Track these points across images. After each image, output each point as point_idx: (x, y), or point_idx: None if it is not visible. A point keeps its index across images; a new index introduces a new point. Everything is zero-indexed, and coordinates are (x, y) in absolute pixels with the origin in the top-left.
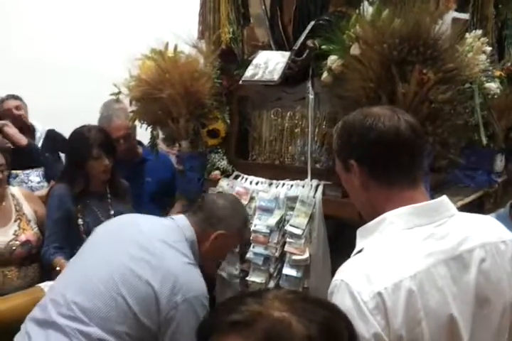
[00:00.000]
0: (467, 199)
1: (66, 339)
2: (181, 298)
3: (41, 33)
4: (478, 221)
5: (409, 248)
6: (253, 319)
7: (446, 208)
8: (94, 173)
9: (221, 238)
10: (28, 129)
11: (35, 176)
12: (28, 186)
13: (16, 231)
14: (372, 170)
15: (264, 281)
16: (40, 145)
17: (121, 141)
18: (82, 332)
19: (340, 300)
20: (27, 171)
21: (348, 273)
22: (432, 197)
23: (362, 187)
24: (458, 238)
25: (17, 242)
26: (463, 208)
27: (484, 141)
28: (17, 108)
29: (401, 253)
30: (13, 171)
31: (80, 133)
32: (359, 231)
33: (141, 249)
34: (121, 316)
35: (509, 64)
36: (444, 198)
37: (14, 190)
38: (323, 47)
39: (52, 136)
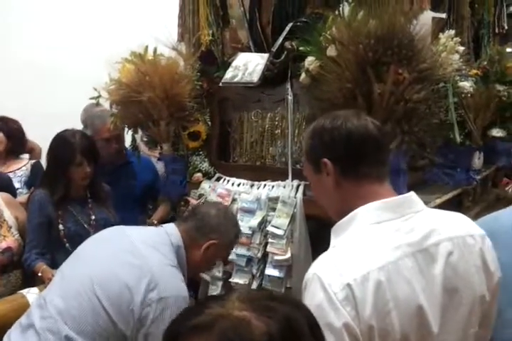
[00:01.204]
0: (445, 197)
1: (37, 338)
2: (156, 296)
3: (24, 36)
4: (446, 216)
5: (378, 241)
6: (214, 321)
7: (414, 203)
8: (74, 179)
9: (213, 247)
10: None
11: (16, 182)
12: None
13: None
14: (344, 168)
15: (247, 282)
16: None
17: (114, 142)
18: (51, 330)
19: (313, 292)
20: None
21: (319, 266)
22: None
23: (335, 185)
24: (424, 232)
25: None
26: (441, 206)
27: (458, 139)
28: None
29: (369, 246)
30: None
31: (63, 138)
32: (333, 230)
33: (123, 250)
34: (94, 317)
35: (485, 63)
36: (412, 194)
37: None
38: (300, 48)
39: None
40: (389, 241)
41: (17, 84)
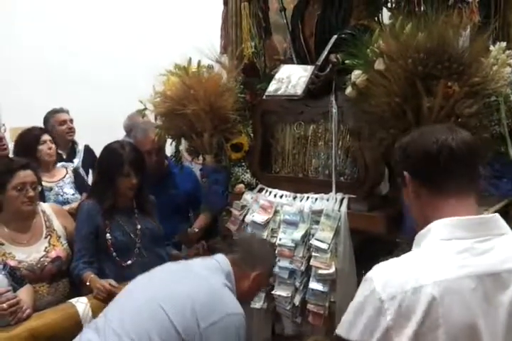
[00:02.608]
0: (492, 209)
1: None
2: (222, 313)
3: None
4: None
5: (441, 257)
6: None
7: (496, 226)
8: (121, 189)
9: (259, 277)
10: (68, 143)
11: (68, 188)
12: (64, 198)
13: (46, 247)
14: (422, 182)
15: (289, 295)
16: (81, 159)
17: (154, 154)
18: None
19: (362, 293)
20: (60, 184)
21: (378, 271)
22: None
23: (415, 198)
24: (501, 256)
25: (48, 259)
26: None
27: (511, 154)
28: (71, 121)
29: (430, 260)
30: (47, 184)
31: (113, 149)
32: (414, 241)
33: (185, 271)
34: (158, 329)
35: None
36: (495, 215)
37: (45, 206)
38: (346, 61)
39: (89, 151)
40: (453, 259)
41: (65, 95)
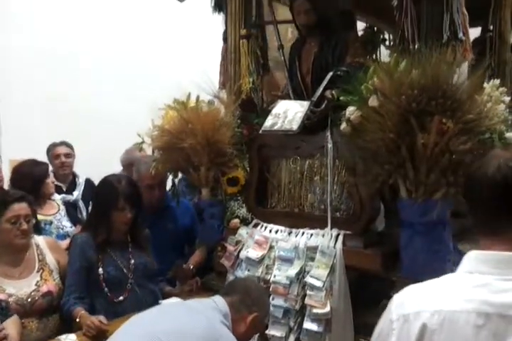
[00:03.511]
0: None
1: None
2: None
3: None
4: None
5: (454, 288)
6: None
7: None
8: (116, 223)
9: (256, 319)
10: (69, 176)
11: (65, 221)
12: (64, 231)
13: (38, 282)
14: (468, 212)
15: (284, 335)
16: (80, 192)
17: (157, 189)
18: None
19: (385, 311)
20: (57, 217)
21: (401, 292)
22: (455, 245)
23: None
24: None
25: (39, 293)
26: None
27: None
28: (66, 155)
29: (442, 289)
30: (47, 218)
31: (109, 182)
32: None
33: (184, 307)
34: None
35: None
36: None
37: (39, 239)
38: (341, 98)
39: (89, 184)
40: (466, 292)
41: (60, 128)
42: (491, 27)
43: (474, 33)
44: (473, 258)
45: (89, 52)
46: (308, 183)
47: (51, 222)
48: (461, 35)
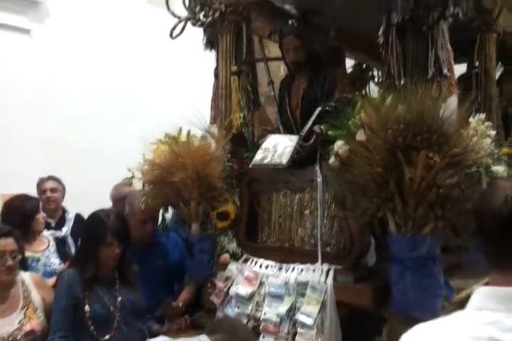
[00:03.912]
0: (483, 282)
1: None
2: None
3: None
4: None
5: (461, 325)
6: None
7: None
8: (104, 259)
9: None
10: (58, 211)
11: (54, 258)
12: (52, 269)
13: (21, 320)
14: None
15: None
16: (69, 227)
17: (150, 223)
18: None
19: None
20: (46, 253)
21: (408, 332)
22: (446, 280)
23: None
24: None
25: (21, 332)
26: None
27: None
28: (52, 190)
29: (450, 327)
30: (35, 254)
31: (97, 217)
32: None
33: None
34: None
35: None
36: None
37: (25, 275)
38: (329, 132)
39: (79, 220)
40: (473, 330)
41: (52, 162)
42: (477, 63)
43: (460, 69)
44: (482, 295)
45: (80, 85)
46: (299, 217)
47: (38, 259)
48: (445, 71)
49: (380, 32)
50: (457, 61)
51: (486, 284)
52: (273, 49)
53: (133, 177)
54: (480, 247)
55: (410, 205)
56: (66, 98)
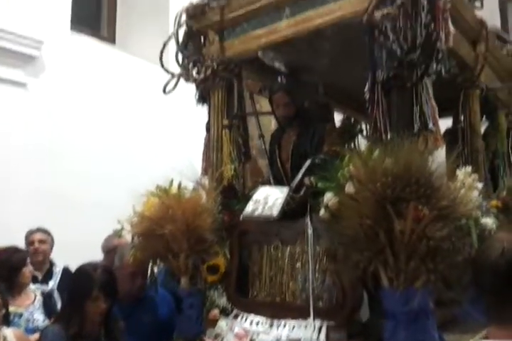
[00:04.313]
0: (478, 336)
1: None
2: None
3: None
4: None
5: None
6: None
7: None
8: (89, 314)
9: None
10: (45, 264)
11: (39, 314)
12: (34, 325)
13: None
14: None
15: None
16: (56, 281)
17: (140, 277)
18: None
19: None
20: (30, 309)
21: None
22: (440, 335)
23: None
24: None
25: None
26: None
27: None
28: (40, 241)
29: None
30: (17, 310)
31: (84, 271)
32: None
33: None
34: None
35: (504, 193)
36: None
37: (7, 331)
38: (319, 184)
39: (67, 274)
40: None
41: (41, 214)
42: (462, 118)
43: (447, 123)
44: None
45: (74, 138)
46: (290, 271)
47: (21, 315)
48: (431, 125)
49: (366, 88)
50: (443, 115)
51: (485, 338)
52: (264, 103)
53: (122, 229)
54: (475, 300)
55: (401, 258)
56: (60, 150)
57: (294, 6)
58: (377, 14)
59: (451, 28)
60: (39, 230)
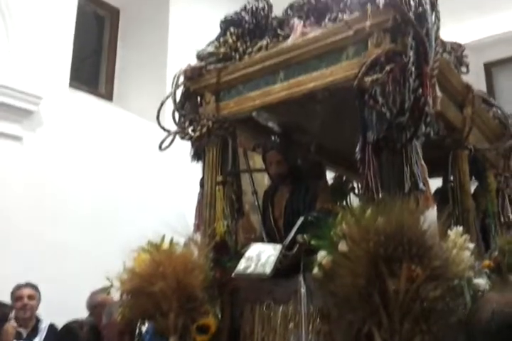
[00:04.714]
0: None
1: None
2: None
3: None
4: None
5: None
6: None
7: None
8: None
9: None
10: (31, 320)
11: None
12: None
13: None
14: None
15: None
16: (41, 338)
17: (127, 335)
18: None
19: None
20: None
21: None
22: None
23: None
24: None
25: None
26: None
27: None
28: (30, 297)
29: None
30: None
31: (70, 329)
32: None
33: None
34: None
35: (496, 253)
36: None
37: None
38: (312, 242)
39: (53, 331)
40: None
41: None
42: (452, 178)
43: (438, 182)
44: None
45: (67, 191)
46: (283, 331)
47: None
48: (421, 185)
49: (357, 149)
50: (433, 175)
51: None
52: (258, 159)
53: (111, 286)
54: None
55: (395, 319)
56: (54, 203)
57: (288, 71)
58: (367, 79)
59: (439, 92)
60: (28, 285)
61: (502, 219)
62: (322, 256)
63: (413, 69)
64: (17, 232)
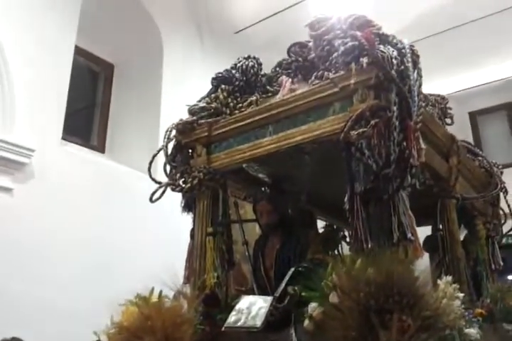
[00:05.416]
0: None
1: None
2: None
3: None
4: None
5: None
6: None
7: None
8: None
9: None
10: None
11: None
12: None
13: None
14: None
15: None
16: None
17: None
18: None
19: None
20: None
21: None
22: None
23: None
24: None
25: None
26: None
27: None
28: None
29: None
30: None
31: None
32: None
33: None
34: None
35: (488, 300)
36: None
37: None
38: (303, 294)
39: None
40: None
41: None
42: (440, 226)
43: (427, 230)
44: None
45: (56, 243)
46: None
47: None
48: (409, 235)
49: (346, 199)
50: (422, 223)
51: None
52: (249, 208)
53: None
54: None
55: None
56: (42, 255)
57: (277, 125)
58: (353, 133)
59: (423, 145)
60: (13, 339)
61: (493, 266)
62: (313, 307)
63: (397, 123)
64: (4, 290)
